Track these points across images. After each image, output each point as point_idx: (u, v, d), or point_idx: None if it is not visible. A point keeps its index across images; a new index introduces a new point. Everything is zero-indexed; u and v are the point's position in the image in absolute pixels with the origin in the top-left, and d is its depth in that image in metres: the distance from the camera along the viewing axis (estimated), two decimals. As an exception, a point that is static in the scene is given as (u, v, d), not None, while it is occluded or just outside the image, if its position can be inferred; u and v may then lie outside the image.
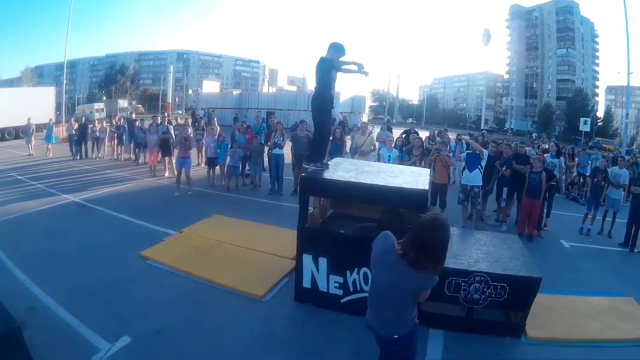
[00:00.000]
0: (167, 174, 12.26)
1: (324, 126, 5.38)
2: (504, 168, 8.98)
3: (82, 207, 8.88)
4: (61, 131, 21.37)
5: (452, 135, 16.47)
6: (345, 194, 4.87)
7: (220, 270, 5.77)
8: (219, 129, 12.93)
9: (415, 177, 5.22)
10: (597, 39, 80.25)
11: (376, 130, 13.47)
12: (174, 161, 12.42)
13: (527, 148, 10.52)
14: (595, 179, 9.33)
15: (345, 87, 46.17)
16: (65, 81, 36.25)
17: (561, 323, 4.89)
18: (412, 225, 2.77)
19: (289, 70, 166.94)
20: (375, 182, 4.73)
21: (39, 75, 75.32)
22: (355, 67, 5.03)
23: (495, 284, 4.48)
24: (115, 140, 15.29)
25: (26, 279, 5.42)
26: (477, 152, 8.33)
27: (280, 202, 10.03)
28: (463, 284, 4.51)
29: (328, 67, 4.99)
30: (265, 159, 11.49)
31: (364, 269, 4.71)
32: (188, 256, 6.21)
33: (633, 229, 8.37)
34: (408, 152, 9.66)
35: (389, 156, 8.95)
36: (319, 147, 5.41)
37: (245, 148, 11.10)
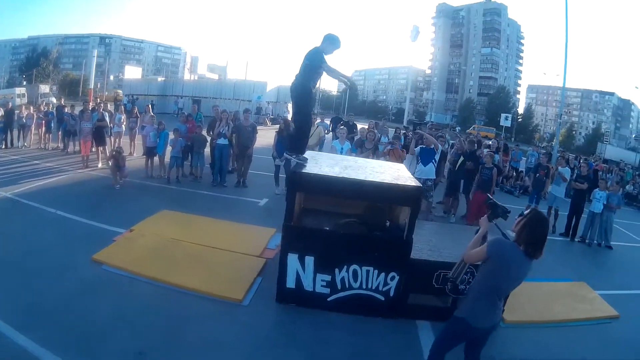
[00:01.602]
0: (100, 165, 11.26)
1: (303, 118, 5.14)
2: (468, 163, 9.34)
3: (16, 203, 7.87)
4: None
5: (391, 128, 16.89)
6: (339, 191, 4.70)
7: (187, 273, 5.30)
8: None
9: (399, 173, 5.19)
10: (522, 40, 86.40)
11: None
12: (108, 151, 11.49)
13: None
14: (538, 174, 10.04)
15: (270, 77, 45.60)
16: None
17: (530, 307, 5.33)
18: (522, 223, 3.07)
19: (210, 58, 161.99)
20: (369, 179, 4.60)
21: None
22: (345, 80, 4.90)
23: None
24: (43, 128, 13.75)
25: None
26: (432, 146, 8.52)
27: (224, 194, 9.66)
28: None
29: (319, 62, 4.71)
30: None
31: (354, 266, 4.64)
32: (146, 258, 5.63)
33: (573, 220, 9.21)
34: (359, 145, 9.62)
35: (342, 148, 8.85)
36: (301, 138, 5.16)
37: (186, 137, 10.46)
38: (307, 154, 5.41)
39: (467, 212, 9.46)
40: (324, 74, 4.95)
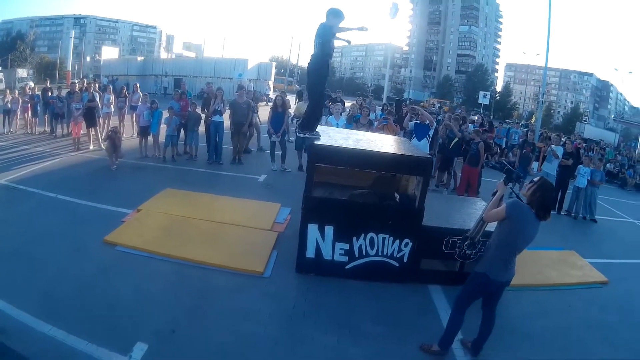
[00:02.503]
0: (92, 147, 11.02)
1: (320, 95, 5.27)
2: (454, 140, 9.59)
3: (13, 190, 7.64)
4: None
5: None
6: (357, 162, 4.88)
7: (204, 249, 5.38)
8: (141, 95, 12.01)
9: (406, 145, 5.40)
10: (500, 19, 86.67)
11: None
12: (100, 132, 11.30)
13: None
14: (524, 150, 10.45)
15: (250, 54, 44.96)
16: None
17: (527, 272, 5.59)
18: (533, 189, 3.44)
19: (185, 36, 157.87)
20: (384, 150, 4.80)
21: None
22: (358, 28, 5.00)
23: (484, 240, 4.84)
24: (29, 112, 13.28)
25: None
26: (427, 122, 8.76)
27: (221, 171, 9.72)
28: (458, 241, 4.92)
29: (329, 36, 4.82)
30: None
31: (371, 234, 4.87)
32: (160, 237, 5.65)
33: (559, 194, 9.73)
34: (353, 121, 9.79)
35: (337, 124, 9.00)
36: (314, 116, 5.29)
37: (180, 115, 10.38)
38: (322, 129, 5.56)
39: (457, 185, 9.79)
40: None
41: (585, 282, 5.90)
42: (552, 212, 9.15)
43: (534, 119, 53.35)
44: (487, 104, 52.73)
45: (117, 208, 6.75)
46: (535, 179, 3.58)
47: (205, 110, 10.30)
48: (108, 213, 6.58)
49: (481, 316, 3.87)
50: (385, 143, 5.48)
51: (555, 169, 10.21)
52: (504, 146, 14.82)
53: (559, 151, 10.31)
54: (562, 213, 9.87)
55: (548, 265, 6.17)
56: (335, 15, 4.86)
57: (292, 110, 11.08)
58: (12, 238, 5.52)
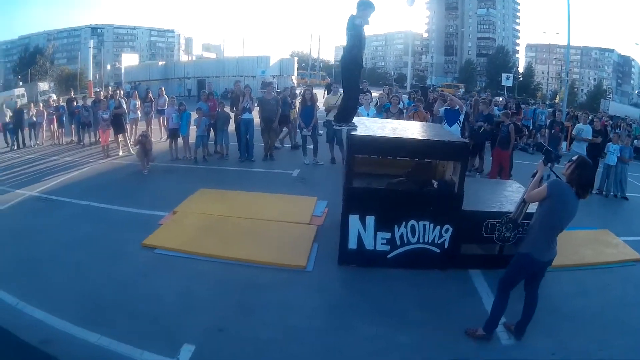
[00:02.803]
0: (121, 153, 11.21)
1: (354, 87, 5.25)
2: (485, 124, 9.45)
3: (45, 201, 7.72)
4: None
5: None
6: (396, 150, 4.89)
7: (245, 247, 5.43)
8: (167, 98, 12.18)
9: (441, 132, 5.37)
10: (518, 0, 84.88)
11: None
12: (128, 138, 11.48)
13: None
14: (553, 130, 10.23)
15: (272, 51, 45.06)
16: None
17: (563, 252, 5.45)
18: (572, 167, 3.47)
19: (204, 38, 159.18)
20: (422, 137, 4.78)
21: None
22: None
23: (522, 222, 4.77)
24: (55, 123, 13.57)
25: (17, 301, 4.21)
26: (457, 107, 8.64)
27: (255, 168, 9.75)
28: (497, 224, 4.94)
29: (359, 28, 4.79)
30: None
31: (412, 222, 4.86)
32: (198, 237, 5.68)
33: None
34: (384, 110, 9.74)
35: (367, 114, 8.95)
36: (350, 108, 5.27)
37: (209, 116, 10.45)
38: (357, 120, 5.55)
39: (490, 169, 9.67)
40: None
41: (621, 260, 5.82)
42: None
43: (557, 98, 52.22)
44: (511, 85, 51.69)
45: (152, 211, 6.78)
46: (574, 158, 3.58)
47: (235, 109, 10.30)
48: (144, 217, 6.62)
49: (523, 299, 3.87)
50: (421, 130, 5.47)
51: (585, 147, 9.96)
52: (531, 127, 14.53)
53: (587, 130, 10.07)
54: (593, 192, 9.61)
55: (583, 244, 6.10)
56: (365, 6, 4.81)
57: (320, 104, 11.00)
58: (48, 247, 5.56)
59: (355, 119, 5.71)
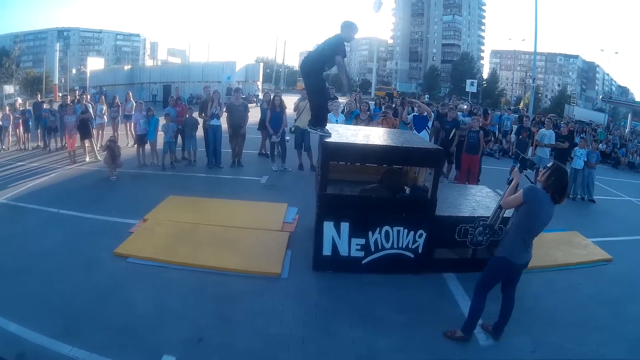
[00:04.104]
0: (88, 159, 10.86)
1: (322, 90, 5.29)
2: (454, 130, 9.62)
3: (12, 208, 7.41)
4: None
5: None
6: (370, 157, 4.95)
7: (218, 255, 5.35)
8: (134, 103, 11.98)
9: (414, 138, 5.46)
10: (483, 7, 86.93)
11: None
12: (95, 143, 11.17)
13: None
14: (520, 137, 10.57)
15: (237, 56, 45.03)
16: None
17: (535, 253, 5.59)
18: (547, 174, 3.61)
19: (169, 42, 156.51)
20: (397, 144, 4.85)
21: None
22: (346, 80, 5.17)
23: (500, 226, 4.99)
24: (21, 128, 13.06)
25: None
26: (425, 114, 8.81)
27: (223, 175, 9.67)
28: (470, 229, 5.08)
29: (334, 53, 4.92)
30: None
31: (386, 227, 4.92)
32: (170, 245, 5.56)
33: None
34: (353, 117, 9.80)
35: (336, 120, 9.02)
36: (321, 110, 5.29)
37: (177, 121, 10.30)
38: (330, 127, 5.58)
39: (457, 174, 9.87)
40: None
41: (591, 261, 6.06)
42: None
43: (522, 104, 53.89)
44: (475, 91, 53.06)
45: (122, 219, 6.64)
46: (549, 165, 3.73)
47: (203, 115, 10.19)
48: (114, 225, 6.47)
49: (500, 300, 3.99)
50: (394, 137, 5.53)
51: (548, 152, 10.37)
52: (497, 133, 14.96)
53: (549, 134, 10.41)
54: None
55: (553, 246, 6.30)
56: (349, 28, 4.96)
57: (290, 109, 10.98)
58: (18, 256, 5.37)
59: (330, 126, 5.75)
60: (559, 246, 6.37)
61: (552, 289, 5.14)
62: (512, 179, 3.91)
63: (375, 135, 5.58)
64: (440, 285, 5.02)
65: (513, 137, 12.90)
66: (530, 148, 11.28)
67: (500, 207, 3.99)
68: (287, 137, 10.20)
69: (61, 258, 5.34)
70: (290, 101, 11.19)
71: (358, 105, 10.18)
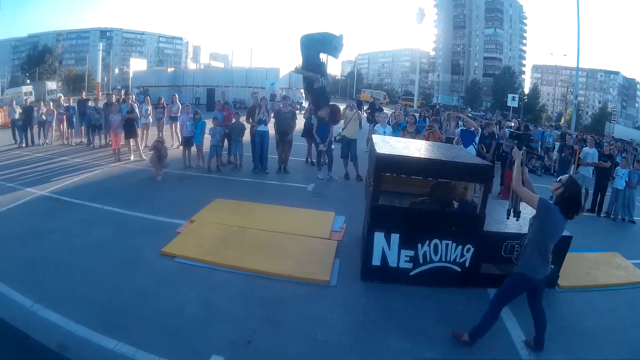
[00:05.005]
0: (132, 158, 11.24)
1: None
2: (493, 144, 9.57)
3: (56, 201, 7.62)
4: (0, 117, 18.15)
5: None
6: (422, 170, 4.99)
7: (266, 259, 5.42)
8: (180, 105, 12.29)
9: (464, 153, 5.48)
10: (525, 20, 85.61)
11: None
12: (140, 143, 11.51)
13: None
14: (563, 154, 10.42)
15: (280, 63, 45.59)
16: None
17: (575, 273, 5.78)
18: (560, 187, 3.64)
19: (212, 47, 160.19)
20: (448, 159, 4.88)
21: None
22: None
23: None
24: (65, 123, 13.59)
25: (32, 303, 4.15)
26: (472, 129, 8.79)
27: (269, 180, 9.78)
28: (517, 245, 5.05)
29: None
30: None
31: (435, 241, 4.95)
32: (218, 247, 5.67)
33: (599, 196, 9.89)
34: (402, 129, 9.86)
35: (384, 132, 9.11)
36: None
37: (224, 125, 10.52)
38: (375, 137, 5.65)
39: (500, 189, 9.77)
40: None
41: (630, 282, 5.95)
42: (592, 214, 9.19)
43: (562, 120, 52.49)
44: (516, 106, 51.89)
45: (168, 219, 6.77)
46: (563, 178, 3.74)
47: (251, 120, 10.36)
48: (160, 224, 6.60)
49: (532, 315, 4.06)
50: (444, 151, 5.56)
51: (591, 171, 10.18)
52: (539, 149, 14.72)
53: (592, 153, 10.24)
54: (602, 215, 9.79)
55: (593, 266, 6.24)
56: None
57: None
58: (63, 249, 5.48)
59: (378, 138, 5.82)
60: (599, 266, 6.30)
61: (592, 309, 5.08)
62: (514, 160, 4.02)
63: (425, 149, 5.63)
64: (485, 300, 4.91)
65: (555, 154, 12.68)
66: (572, 166, 11.09)
67: (513, 191, 4.18)
68: (333, 146, 10.30)
69: (106, 254, 5.44)
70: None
71: (404, 117, 10.26)
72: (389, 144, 5.51)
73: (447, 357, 3.92)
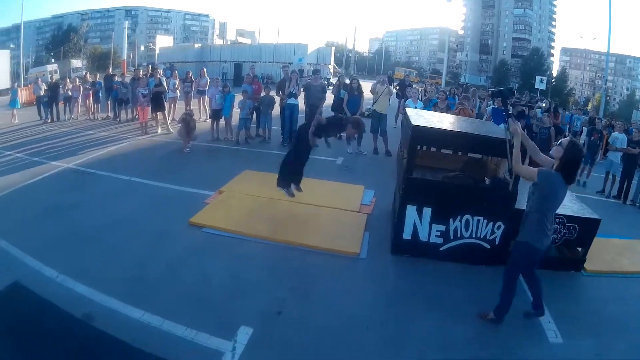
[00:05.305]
0: (159, 131, 11.36)
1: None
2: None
3: (83, 174, 7.70)
4: (25, 94, 18.41)
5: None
6: (457, 144, 4.96)
7: (294, 230, 5.44)
8: (209, 79, 12.37)
9: (497, 129, 5.39)
10: (554, 2, 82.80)
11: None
12: (167, 116, 11.61)
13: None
14: (592, 137, 10.18)
15: (308, 39, 45.29)
16: (12, 46, 31.67)
17: (602, 259, 5.62)
18: (560, 150, 3.63)
19: (238, 23, 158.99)
20: (484, 134, 4.82)
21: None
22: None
23: (569, 224, 5.07)
24: (91, 99, 13.76)
25: (57, 274, 4.18)
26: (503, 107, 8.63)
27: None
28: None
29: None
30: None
31: (467, 216, 4.89)
32: (247, 218, 5.67)
33: (625, 184, 9.59)
34: (433, 105, 9.75)
35: (415, 107, 9.01)
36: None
37: (254, 99, 10.49)
38: (410, 110, 5.60)
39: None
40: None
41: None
42: (618, 201, 8.95)
43: (590, 105, 51.19)
44: (544, 89, 50.62)
45: (196, 190, 6.79)
46: (564, 141, 3.74)
47: (281, 93, 10.29)
48: (188, 195, 6.63)
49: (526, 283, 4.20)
50: (477, 127, 5.47)
51: (619, 156, 9.91)
52: (567, 133, 14.40)
53: (622, 138, 9.97)
54: (627, 203, 9.49)
55: (620, 253, 6.10)
56: None
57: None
58: (91, 221, 5.51)
59: (412, 111, 5.76)
60: (625, 253, 6.15)
61: (617, 295, 4.95)
62: (514, 142, 4.04)
63: (459, 123, 5.55)
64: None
65: (584, 137, 12.38)
66: (600, 151, 10.85)
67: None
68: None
69: (134, 225, 5.48)
70: (366, 87, 11.06)
71: (436, 94, 10.12)
72: (423, 117, 5.45)
73: (474, 334, 3.89)
